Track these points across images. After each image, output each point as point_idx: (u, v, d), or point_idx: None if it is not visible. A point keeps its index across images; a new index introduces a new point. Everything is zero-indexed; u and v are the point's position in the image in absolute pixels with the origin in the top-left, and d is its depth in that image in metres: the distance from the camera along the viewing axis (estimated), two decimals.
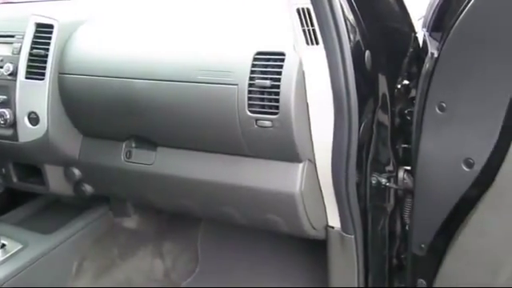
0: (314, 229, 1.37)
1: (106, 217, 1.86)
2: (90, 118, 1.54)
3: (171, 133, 1.42)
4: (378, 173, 1.34)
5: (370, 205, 1.34)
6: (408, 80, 1.37)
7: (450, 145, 1.15)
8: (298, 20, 1.15)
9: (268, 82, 1.21)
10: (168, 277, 1.95)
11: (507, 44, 1.02)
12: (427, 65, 1.16)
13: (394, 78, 1.35)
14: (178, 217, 1.97)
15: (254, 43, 1.26)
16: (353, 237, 1.33)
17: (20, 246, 1.59)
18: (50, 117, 1.51)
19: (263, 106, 1.23)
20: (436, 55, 1.11)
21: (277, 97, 1.21)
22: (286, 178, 1.30)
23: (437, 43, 1.15)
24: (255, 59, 1.23)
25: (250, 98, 1.23)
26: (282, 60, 1.21)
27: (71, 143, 1.59)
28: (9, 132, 1.57)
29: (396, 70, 1.36)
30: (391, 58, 1.34)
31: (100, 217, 1.83)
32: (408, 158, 1.32)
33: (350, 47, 1.15)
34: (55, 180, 1.66)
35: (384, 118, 1.34)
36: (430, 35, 1.25)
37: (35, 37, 1.53)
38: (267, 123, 1.23)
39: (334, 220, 1.35)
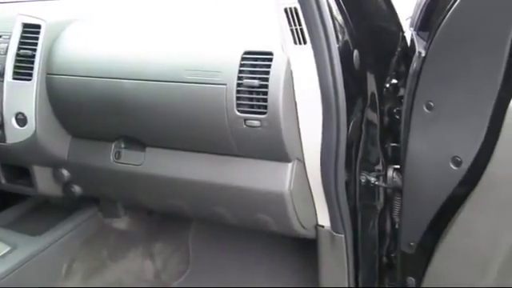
0: (304, 228, 1.37)
1: (96, 218, 1.85)
2: (79, 119, 1.53)
3: (160, 133, 1.41)
4: (367, 172, 1.35)
5: (360, 204, 1.35)
6: (396, 79, 1.37)
7: (438, 143, 1.16)
8: (286, 19, 1.15)
9: (256, 82, 1.21)
10: (159, 278, 1.94)
11: (492, 43, 1.03)
12: (415, 64, 1.17)
13: (382, 77, 1.35)
14: (168, 217, 1.97)
15: (241, 43, 1.26)
16: (343, 236, 1.34)
17: (8, 248, 1.58)
18: (37, 117, 1.50)
19: (252, 106, 1.23)
20: (423, 54, 1.12)
21: (265, 96, 1.21)
22: (276, 178, 1.30)
23: (424, 42, 1.16)
24: (243, 59, 1.23)
25: (238, 98, 1.23)
26: (270, 59, 1.21)
27: (60, 144, 1.58)
28: None
29: (384, 69, 1.36)
30: (379, 57, 1.34)
31: (89, 218, 1.82)
32: (397, 156, 1.32)
33: (338, 47, 1.15)
34: (44, 181, 1.65)
35: (373, 117, 1.34)
36: (418, 34, 1.26)
37: (22, 37, 1.52)
38: (256, 123, 1.23)
39: (324, 219, 1.36)
